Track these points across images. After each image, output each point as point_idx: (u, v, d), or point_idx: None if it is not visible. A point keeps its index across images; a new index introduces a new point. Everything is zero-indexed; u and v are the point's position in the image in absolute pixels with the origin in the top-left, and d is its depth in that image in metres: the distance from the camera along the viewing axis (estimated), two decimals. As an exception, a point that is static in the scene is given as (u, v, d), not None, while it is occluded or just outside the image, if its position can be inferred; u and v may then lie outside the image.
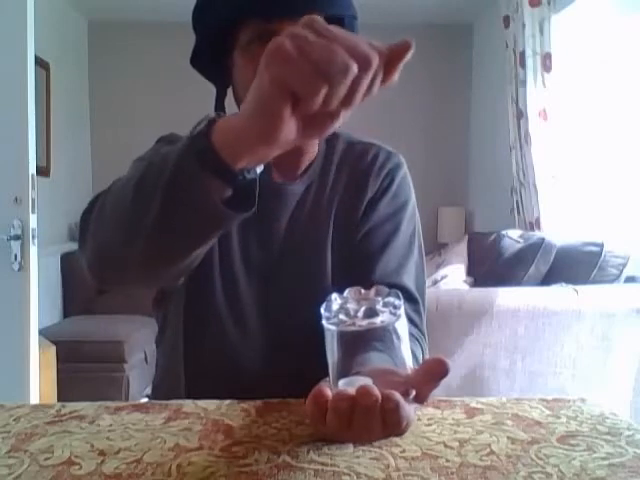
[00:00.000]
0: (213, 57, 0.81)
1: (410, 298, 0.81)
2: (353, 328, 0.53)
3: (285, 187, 0.85)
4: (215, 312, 0.82)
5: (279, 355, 0.81)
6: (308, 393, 0.69)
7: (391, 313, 0.53)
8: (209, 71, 0.84)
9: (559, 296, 2.03)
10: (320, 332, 0.84)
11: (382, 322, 0.52)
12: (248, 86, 0.76)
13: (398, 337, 0.53)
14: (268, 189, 0.86)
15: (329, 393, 0.49)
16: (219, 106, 0.85)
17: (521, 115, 3.09)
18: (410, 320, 0.76)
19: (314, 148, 0.87)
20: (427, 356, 0.77)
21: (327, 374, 0.69)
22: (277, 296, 0.84)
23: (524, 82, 3.03)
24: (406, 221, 0.87)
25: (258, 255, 0.84)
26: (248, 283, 0.83)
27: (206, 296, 0.82)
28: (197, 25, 0.80)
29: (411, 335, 0.74)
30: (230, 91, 0.85)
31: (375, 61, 0.41)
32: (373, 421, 0.48)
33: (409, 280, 0.83)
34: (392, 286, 0.77)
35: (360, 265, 0.83)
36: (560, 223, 2.91)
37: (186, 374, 0.88)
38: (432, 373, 0.46)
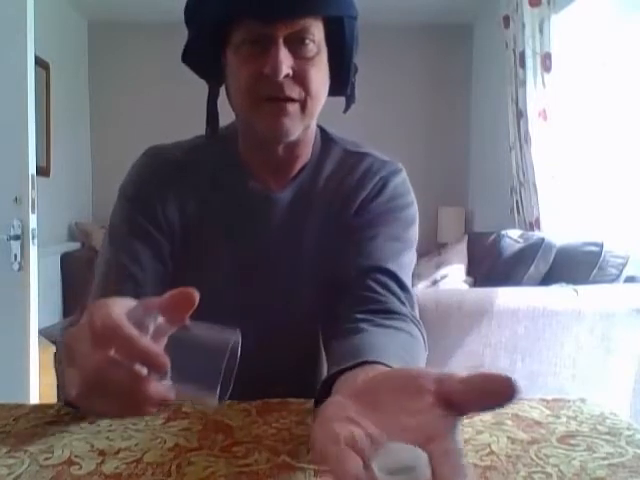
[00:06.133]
0: (206, 55, 0.78)
1: (402, 287, 0.78)
2: None
3: (273, 195, 0.82)
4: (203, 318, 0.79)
5: (268, 359, 0.78)
6: (296, 393, 0.69)
7: None
8: (201, 68, 0.82)
9: (559, 296, 2.03)
10: (305, 336, 0.83)
11: None
12: (240, 87, 0.74)
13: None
14: (255, 198, 0.82)
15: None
16: (211, 105, 0.82)
17: (521, 115, 3.09)
18: (402, 303, 0.76)
19: (307, 153, 0.84)
20: (426, 339, 0.75)
21: (310, 376, 0.67)
22: (265, 302, 0.83)
23: (524, 82, 3.03)
24: (402, 223, 0.83)
25: (247, 264, 0.82)
26: (236, 291, 0.82)
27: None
28: (189, 21, 0.78)
29: (407, 317, 0.74)
30: (222, 90, 0.82)
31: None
32: None
33: (402, 273, 0.79)
34: (382, 271, 0.76)
35: (351, 251, 0.79)
36: (560, 223, 2.91)
37: None
38: (490, 392, 0.35)
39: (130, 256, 0.79)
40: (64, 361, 0.46)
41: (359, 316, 0.71)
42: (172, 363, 0.41)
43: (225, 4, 0.71)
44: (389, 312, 0.73)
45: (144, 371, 0.42)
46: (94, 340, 0.43)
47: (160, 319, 0.44)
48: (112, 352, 0.42)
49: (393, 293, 0.76)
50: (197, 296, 0.44)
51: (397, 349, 0.63)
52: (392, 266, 0.78)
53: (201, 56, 0.79)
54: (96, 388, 0.43)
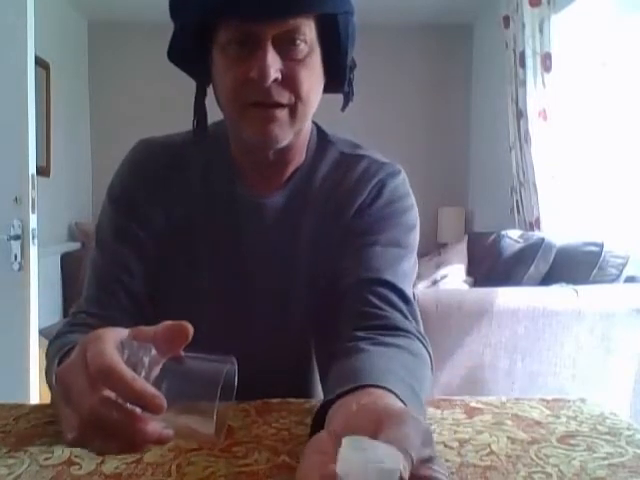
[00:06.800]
0: (191, 52, 0.73)
1: (404, 298, 0.74)
2: None
3: (264, 201, 0.79)
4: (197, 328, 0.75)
5: (264, 362, 0.75)
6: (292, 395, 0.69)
7: None
8: (187, 66, 0.77)
9: (559, 296, 2.03)
10: (299, 341, 0.82)
11: None
12: (226, 91, 0.70)
13: None
14: (246, 204, 0.79)
15: None
16: (199, 105, 0.78)
17: (521, 115, 3.09)
18: (405, 317, 0.72)
19: (300, 156, 0.81)
20: (432, 356, 0.71)
21: (305, 377, 0.66)
22: (257, 306, 0.81)
23: (524, 82, 3.03)
24: (403, 228, 0.80)
25: (235, 270, 0.80)
26: (226, 293, 0.80)
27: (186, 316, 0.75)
28: (173, 15, 0.72)
29: (411, 333, 0.70)
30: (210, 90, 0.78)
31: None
32: None
33: (403, 283, 0.75)
34: (383, 283, 0.72)
35: (349, 259, 0.76)
36: (560, 223, 2.91)
37: None
38: None
39: (115, 258, 0.78)
40: (59, 398, 0.45)
41: (359, 334, 0.67)
42: (166, 393, 0.41)
43: (210, 2, 0.66)
44: (391, 328, 0.69)
45: (139, 409, 0.42)
46: (89, 381, 0.42)
47: (154, 351, 0.44)
48: (107, 392, 0.42)
49: (395, 307, 0.72)
50: (191, 330, 0.44)
51: (399, 370, 0.58)
52: (392, 277, 0.74)
53: (186, 54, 0.74)
54: (93, 430, 0.42)
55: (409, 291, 0.76)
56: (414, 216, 0.82)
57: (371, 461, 0.33)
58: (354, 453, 0.34)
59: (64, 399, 0.44)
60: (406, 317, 0.72)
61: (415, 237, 0.81)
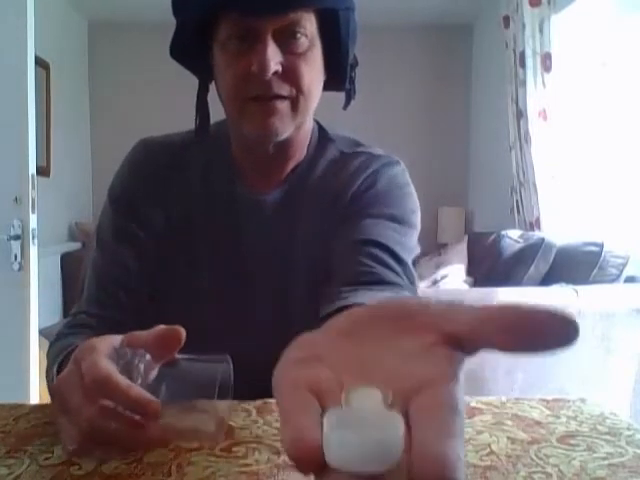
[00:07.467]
0: (193, 50, 0.73)
1: (399, 260, 0.71)
2: None
3: (263, 197, 0.79)
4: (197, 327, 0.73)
5: (256, 368, 0.75)
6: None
7: None
8: (189, 64, 0.77)
9: (559, 296, 2.03)
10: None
11: None
12: (227, 87, 0.71)
13: None
14: (245, 202, 0.79)
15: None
16: (201, 102, 0.78)
17: (521, 115, 3.09)
18: (397, 275, 0.69)
19: (301, 152, 0.81)
20: None
21: None
22: (256, 304, 0.80)
23: (524, 82, 3.03)
24: (401, 209, 0.78)
25: (235, 268, 0.80)
26: (225, 292, 0.80)
27: (186, 316, 0.70)
28: (175, 13, 0.73)
29: (402, 287, 0.68)
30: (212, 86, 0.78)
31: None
32: None
33: (398, 249, 0.72)
34: (374, 243, 0.70)
35: (343, 235, 0.75)
36: (560, 223, 2.91)
37: None
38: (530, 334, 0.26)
39: (115, 258, 0.78)
40: (56, 409, 0.46)
41: (347, 288, 0.65)
42: (165, 396, 0.41)
43: None
44: (381, 283, 0.66)
45: (137, 416, 0.42)
46: (84, 392, 0.42)
47: (148, 356, 0.44)
48: (104, 401, 0.42)
49: (386, 265, 0.69)
50: (184, 334, 0.44)
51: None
52: (386, 240, 0.71)
53: (187, 51, 0.74)
54: (94, 439, 0.43)
55: (405, 257, 0.72)
56: (413, 201, 0.81)
57: (366, 440, 0.24)
58: (342, 434, 0.24)
59: (62, 412, 0.44)
60: (398, 275, 0.69)
61: (416, 218, 0.80)
